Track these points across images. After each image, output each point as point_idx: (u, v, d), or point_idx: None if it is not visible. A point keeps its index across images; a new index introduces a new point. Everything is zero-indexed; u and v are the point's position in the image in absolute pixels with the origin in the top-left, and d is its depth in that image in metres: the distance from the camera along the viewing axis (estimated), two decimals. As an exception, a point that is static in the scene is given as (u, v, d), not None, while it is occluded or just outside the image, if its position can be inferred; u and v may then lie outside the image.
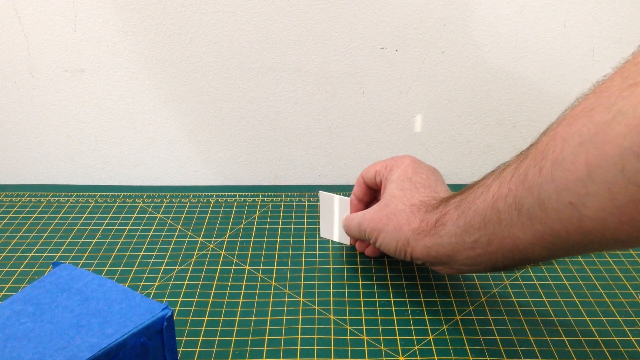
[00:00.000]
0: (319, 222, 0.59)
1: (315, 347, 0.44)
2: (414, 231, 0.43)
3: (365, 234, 0.48)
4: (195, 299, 0.49)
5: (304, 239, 0.58)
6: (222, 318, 0.47)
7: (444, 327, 0.46)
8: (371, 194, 0.54)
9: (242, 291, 0.51)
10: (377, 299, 0.49)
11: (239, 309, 0.48)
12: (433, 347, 0.44)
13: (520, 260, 0.37)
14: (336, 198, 0.55)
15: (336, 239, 0.56)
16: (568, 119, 0.33)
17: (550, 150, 0.32)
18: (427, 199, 0.45)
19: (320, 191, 0.56)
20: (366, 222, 0.48)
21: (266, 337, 0.45)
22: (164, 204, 0.64)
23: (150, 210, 0.63)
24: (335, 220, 0.56)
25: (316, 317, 0.47)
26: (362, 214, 0.49)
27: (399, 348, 0.44)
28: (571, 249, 0.33)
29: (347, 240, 0.55)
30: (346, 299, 0.50)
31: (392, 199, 0.47)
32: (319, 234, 0.58)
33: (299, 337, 0.45)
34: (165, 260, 0.55)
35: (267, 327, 0.46)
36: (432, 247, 0.42)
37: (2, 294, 0.50)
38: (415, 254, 0.44)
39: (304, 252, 0.56)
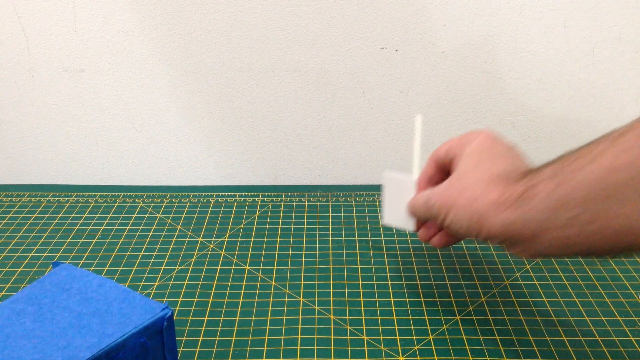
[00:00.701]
0: (383, 206, 0.52)
1: (315, 347, 0.44)
2: (492, 204, 0.37)
3: (434, 210, 0.42)
4: (195, 299, 0.49)
5: (304, 239, 0.58)
6: (222, 318, 0.47)
7: (444, 327, 0.46)
8: (441, 175, 0.47)
9: (242, 291, 0.51)
10: (377, 299, 0.49)
11: (239, 309, 0.48)
12: (433, 347, 0.44)
13: (626, 246, 0.32)
14: (401, 179, 0.50)
15: (400, 225, 0.50)
16: None
17: None
18: (508, 169, 0.39)
19: (384, 172, 0.51)
20: (435, 197, 0.42)
21: (266, 337, 0.45)
22: (164, 204, 0.64)
23: (150, 210, 0.63)
24: (399, 204, 0.49)
25: (316, 317, 0.47)
26: (430, 191, 0.44)
27: (399, 348, 0.44)
28: None
29: (411, 226, 0.49)
30: (346, 299, 0.50)
31: (465, 172, 0.41)
32: (382, 220, 0.53)
33: (299, 337, 0.45)
34: (165, 260, 0.55)
35: (267, 327, 0.46)
36: (515, 222, 0.36)
37: (2, 294, 0.50)
38: (493, 231, 0.37)
39: (304, 252, 0.56)
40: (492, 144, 0.43)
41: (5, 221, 0.61)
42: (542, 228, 0.35)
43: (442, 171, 0.47)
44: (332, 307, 0.49)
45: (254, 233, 0.59)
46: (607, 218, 0.32)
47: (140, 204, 0.65)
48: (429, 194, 0.44)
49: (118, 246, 0.57)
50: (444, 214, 0.41)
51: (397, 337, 0.45)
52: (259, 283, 0.52)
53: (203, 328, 0.46)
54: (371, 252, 0.56)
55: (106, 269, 0.54)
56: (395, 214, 0.50)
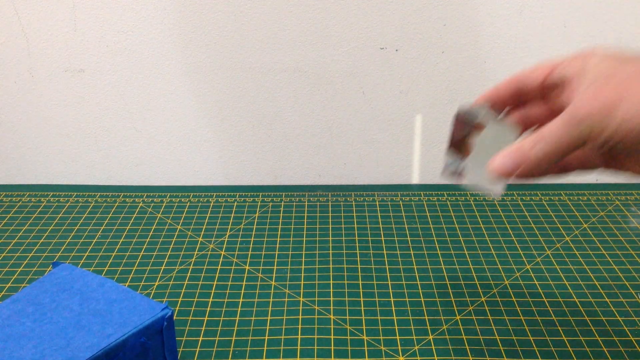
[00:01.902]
0: (466, 164, 0.40)
1: (315, 347, 0.44)
2: None
3: (589, 123, 0.31)
4: (195, 299, 0.49)
5: (304, 239, 0.58)
6: (222, 318, 0.47)
7: (444, 327, 0.46)
8: (514, 102, 0.40)
9: (242, 291, 0.51)
10: (377, 299, 0.49)
11: (239, 309, 0.48)
12: (433, 347, 0.44)
13: None
14: (499, 127, 0.38)
15: (486, 186, 0.38)
16: None
17: None
18: None
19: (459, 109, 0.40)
20: (585, 104, 0.31)
21: (266, 337, 0.45)
22: (164, 204, 0.64)
23: (150, 210, 0.63)
24: (488, 154, 0.36)
25: (316, 317, 0.47)
26: (559, 117, 0.32)
27: (399, 348, 0.44)
28: None
29: (499, 188, 0.38)
30: (346, 299, 0.50)
31: (613, 70, 0.31)
32: (452, 177, 0.40)
33: (299, 337, 0.45)
34: (165, 260, 0.55)
35: (267, 327, 0.46)
36: None
37: (2, 294, 0.50)
38: None
39: (304, 252, 0.56)
40: (621, 52, 0.33)
41: (5, 221, 0.61)
42: None
43: (517, 99, 0.39)
44: (332, 307, 0.49)
45: (254, 233, 0.59)
46: None
47: (140, 204, 0.65)
48: (569, 112, 0.32)
49: (118, 246, 0.57)
50: (608, 116, 0.30)
51: (397, 337, 0.45)
52: (259, 283, 0.52)
53: (203, 328, 0.46)
54: (371, 252, 0.56)
55: (106, 269, 0.54)
56: (483, 172, 0.37)
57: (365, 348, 0.44)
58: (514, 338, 0.45)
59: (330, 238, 0.58)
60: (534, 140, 0.33)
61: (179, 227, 0.60)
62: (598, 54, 0.33)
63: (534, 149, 0.33)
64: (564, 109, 0.33)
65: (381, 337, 0.45)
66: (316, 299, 0.50)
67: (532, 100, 0.39)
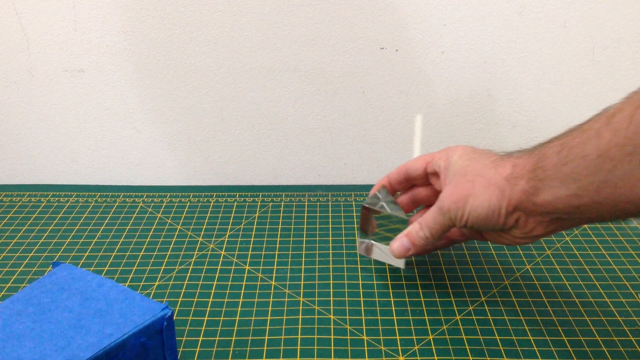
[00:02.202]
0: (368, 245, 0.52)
1: (315, 347, 0.44)
2: (507, 177, 0.41)
3: (451, 212, 0.43)
4: (195, 299, 0.49)
5: (304, 239, 0.58)
6: (222, 318, 0.47)
7: (444, 327, 0.46)
8: (405, 186, 0.52)
9: (242, 291, 0.51)
10: (377, 299, 0.49)
11: (239, 309, 0.48)
12: (433, 347, 0.44)
13: (633, 213, 0.36)
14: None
15: (390, 259, 0.51)
16: None
17: None
18: (507, 154, 0.43)
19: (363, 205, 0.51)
20: (446, 199, 0.43)
21: (266, 337, 0.45)
22: (164, 204, 0.64)
23: (150, 210, 0.63)
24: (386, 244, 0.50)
25: (316, 317, 0.47)
26: (434, 208, 0.45)
27: (399, 348, 0.44)
28: None
29: (401, 262, 0.51)
30: (346, 299, 0.50)
31: (465, 169, 0.43)
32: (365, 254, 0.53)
33: (299, 337, 0.45)
34: (165, 260, 0.55)
35: (267, 327, 0.46)
36: (531, 192, 0.39)
37: (2, 294, 0.50)
38: (513, 200, 0.40)
39: (304, 252, 0.56)
40: (474, 149, 0.46)
41: (5, 221, 0.61)
42: (555, 196, 0.38)
43: (406, 182, 0.51)
44: (332, 307, 0.49)
45: (254, 233, 0.59)
46: (614, 187, 0.35)
47: (140, 204, 0.65)
48: (438, 204, 0.44)
49: (118, 246, 0.57)
50: (461, 208, 0.42)
51: (397, 337, 0.45)
52: (259, 283, 0.52)
53: (203, 328, 0.46)
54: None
55: (106, 269, 0.54)
56: (386, 249, 0.51)
57: (365, 348, 0.44)
58: (514, 338, 0.45)
59: (330, 238, 0.58)
60: (418, 227, 0.46)
61: (179, 227, 0.60)
62: (458, 151, 0.46)
63: (418, 234, 0.46)
64: (439, 192, 0.46)
65: (381, 337, 0.45)
66: (316, 299, 0.50)
67: (418, 184, 0.51)
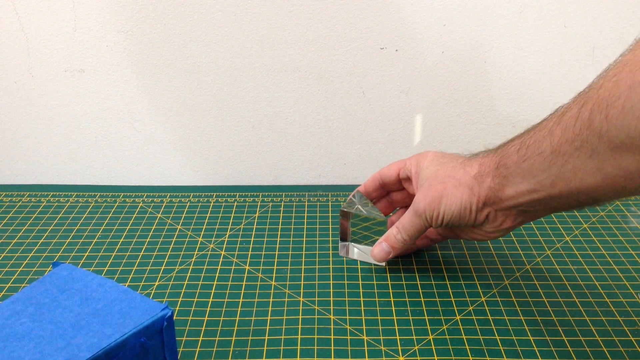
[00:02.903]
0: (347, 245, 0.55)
1: (315, 347, 0.44)
2: (475, 177, 0.44)
3: (427, 213, 0.47)
4: (195, 299, 0.49)
5: (304, 239, 0.58)
6: (222, 318, 0.47)
7: (444, 327, 0.46)
8: (381, 192, 0.55)
9: (242, 291, 0.51)
10: (377, 299, 0.49)
11: (239, 309, 0.48)
12: (433, 347, 0.44)
13: (586, 202, 0.39)
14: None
15: (370, 259, 0.54)
16: (630, 66, 0.34)
17: (614, 97, 0.33)
18: (473, 155, 0.46)
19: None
20: (420, 202, 0.47)
21: (266, 337, 0.45)
22: (164, 204, 0.64)
23: (150, 210, 0.63)
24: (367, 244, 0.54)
25: (316, 317, 0.47)
26: (410, 210, 0.48)
27: (399, 348, 0.44)
28: None
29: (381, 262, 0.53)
30: (346, 299, 0.50)
31: (435, 172, 0.47)
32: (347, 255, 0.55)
33: (299, 337, 0.45)
34: (165, 260, 0.55)
35: (267, 327, 0.46)
36: (496, 188, 0.43)
37: (2, 294, 0.50)
38: (481, 199, 0.44)
39: (304, 252, 0.56)
40: (443, 154, 0.49)
41: (5, 221, 0.61)
42: (517, 191, 0.42)
43: (382, 189, 0.54)
44: (332, 307, 0.49)
45: (254, 233, 0.59)
46: (567, 181, 0.37)
47: (140, 204, 0.65)
48: (411, 208, 0.48)
49: (118, 246, 0.57)
50: (435, 208, 0.46)
51: (397, 337, 0.45)
52: (259, 283, 0.52)
53: (203, 328, 0.46)
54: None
55: (106, 269, 0.54)
56: (366, 250, 0.54)
57: (365, 348, 0.44)
58: (514, 338, 0.45)
59: (330, 238, 0.58)
60: (396, 231, 0.49)
61: (179, 227, 0.60)
62: (428, 157, 0.49)
63: (396, 237, 0.49)
64: (414, 195, 0.49)
65: (381, 337, 0.45)
66: (316, 299, 0.50)
67: (393, 189, 0.55)
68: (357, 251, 0.54)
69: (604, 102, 0.34)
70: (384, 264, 0.53)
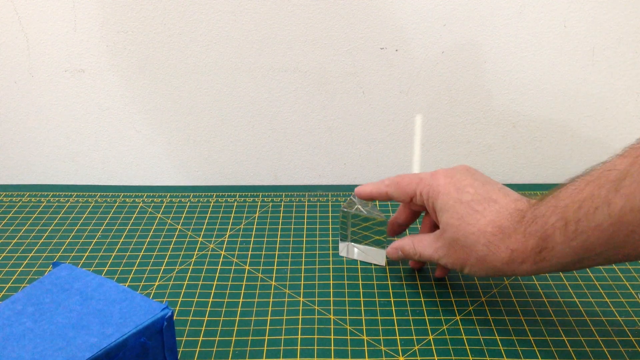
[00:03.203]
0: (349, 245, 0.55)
1: (315, 347, 0.44)
2: (507, 263, 0.41)
3: (448, 265, 0.46)
4: (195, 299, 0.49)
5: (304, 239, 0.58)
6: (222, 318, 0.47)
7: (444, 327, 0.46)
8: (414, 216, 0.53)
9: (242, 291, 0.51)
10: (377, 299, 0.49)
11: (239, 309, 0.48)
12: (433, 347, 0.44)
13: None
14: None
15: (371, 260, 0.54)
16: None
17: None
18: (495, 219, 0.42)
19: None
20: (444, 258, 0.45)
21: (266, 337, 0.45)
22: (164, 204, 0.64)
23: (150, 210, 0.63)
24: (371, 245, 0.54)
25: (316, 317, 0.47)
26: (432, 249, 0.46)
27: (399, 348, 0.44)
28: None
29: (382, 262, 0.54)
30: (346, 299, 0.50)
31: (454, 229, 0.43)
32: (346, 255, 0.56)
33: (299, 337, 0.45)
34: (165, 260, 0.55)
35: (267, 327, 0.46)
36: (540, 270, 0.40)
37: (2, 294, 0.50)
38: (517, 275, 0.44)
39: (304, 252, 0.56)
40: (457, 192, 0.44)
41: (5, 221, 0.61)
42: (569, 265, 0.39)
43: (414, 213, 0.52)
44: (332, 307, 0.49)
45: (254, 233, 0.59)
46: (635, 248, 0.34)
47: (140, 204, 0.65)
48: (433, 254, 0.46)
49: (118, 246, 0.57)
50: (459, 268, 0.45)
51: (397, 337, 0.45)
52: (259, 283, 0.52)
53: (203, 328, 0.46)
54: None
55: (106, 269, 0.54)
56: (368, 250, 0.54)
57: (365, 348, 0.44)
58: (514, 338, 0.45)
59: (330, 238, 0.58)
60: (411, 245, 0.48)
61: (179, 227, 0.60)
62: (440, 192, 0.45)
63: (409, 252, 0.49)
64: (420, 211, 0.51)
65: (381, 337, 0.45)
66: (316, 299, 0.50)
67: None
68: (357, 251, 0.54)
69: None
70: (384, 263, 0.54)
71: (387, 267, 0.54)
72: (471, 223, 0.42)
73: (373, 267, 0.54)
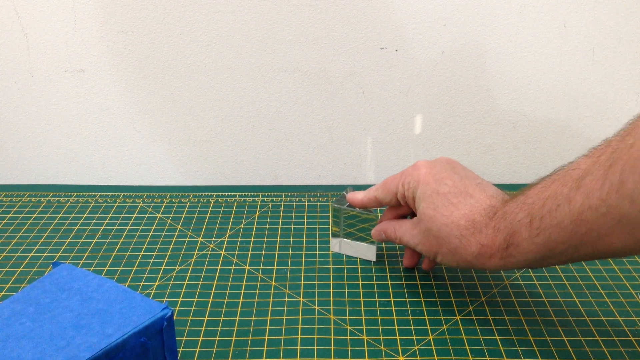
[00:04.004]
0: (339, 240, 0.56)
1: (315, 347, 0.44)
2: (477, 256, 0.42)
3: (423, 252, 0.47)
4: (195, 299, 0.49)
5: (304, 239, 0.58)
6: (222, 318, 0.47)
7: (444, 327, 0.46)
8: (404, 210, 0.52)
9: (242, 291, 0.51)
10: (377, 299, 0.49)
11: (239, 309, 0.48)
12: (433, 347, 0.44)
13: (607, 256, 0.37)
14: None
15: (361, 255, 0.55)
16: None
17: None
18: (469, 213, 0.43)
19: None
20: (419, 245, 0.47)
21: (266, 337, 0.45)
22: (164, 204, 0.64)
23: (150, 210, 0.63)
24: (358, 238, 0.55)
25: (316, 317, 0.47)
26: (409, 235, 0.48)
27: (399, 348, 0.44)
28: None
29: (372, 256, 0.55)
30: (346, 299, 0.50)
31: (429, 218, 0.44)
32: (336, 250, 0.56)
33: (299, 337, 0.45)
34: (165, 260, 0.55)
35: (267, 327, 0.46)
36: (506, 265, 0.41)
37: (2, 294, 0.50)
38: (486, 269, 0.44)
39: (304, 252, 0.56)
40: (436, 182, 0.45)
41: (5, 221, 0.61)
42: (533, 261, 0.40)
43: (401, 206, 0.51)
44: (332, 307, 0.49)
45: (254, 233, 0.59)
46: (594, 246, 0.35)
47: (140, 204, 0.65)
48: (410, 240, 0.48)
49: (118, 246, 0.57)
50: (432, 257, 0.46)
51: (397, 337, 0.45)
52: (259, 283, 0.52)
53: (203, 328, 0.46)
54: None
55: (106, 269, 0.54)
56: (357, 246, 0.55)
57: (365, 348, 0.44)
58: (514, 338, 0.45)
59: (330, 238, 0.58)
60: (393, 231, 0.49)
61: (179, 227, 0.60)
62: (420, 187, 0.45)
63: (390, 236, 0.50)
64: (405, 214, 0.51)
65: (381, 337, 0.45)
66: (316, 299, 0.50)
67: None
68: (348, 247, 0.55)
69: (639, 162, 0.31)
70: (374, 259, 0.54)
71: (387, 267, 0.54)
72: (445, 215, 0.43)
73: (373, 267, 0.54)
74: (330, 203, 0.65)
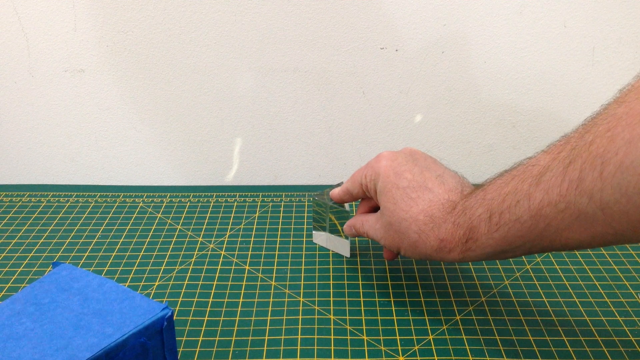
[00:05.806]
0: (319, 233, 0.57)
1: (315, 347, 0.44)
2: (436, 250, 0.42)
3: (387, 246, 0.47)
4: (195, 299, 0.49)
5: (304, 239, 0.58)
6: (222, 318, 0.47)
7: (444, 327, 0.46)
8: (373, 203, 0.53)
9: (242, 291, 0.51)
10: (377, 299, 0.49)
11: (239, 309, 0.48)
12: (433, 347, 0.44)
13: (563, 250, 0.38)
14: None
15: (339, 250, 0.56)
16: (626, 120, 0.31)
17: (611, 153, 0.30)
18: (427, 209, 0.43)
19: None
20: (382, 239, 0.47)
21: (266, 337, 0.45)
22: (164, 204, 0.64)
23: (150, 210, 0.63)
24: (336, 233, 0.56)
25: (316, 317, 0.47)
26: (374, 229, 0.48)
27: (399, 348, 0.44)
28: (634, 241, 0.33)
29: (347, 252, 0.55)
30: (346, 299, 0.50)
31: (389, 213, 0.45)
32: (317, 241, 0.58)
33: (299, 337, 0.45)
34: (165, 260, 0.55)
35: (267, 327, 0.46)
36: (465, 258, 0.42)
37: (2, 294, 0.50)
38: (445, 261, 0.45)
39: (304, 252, 0.56)
40: (396, 176, 0.45)
41: (5, 221, 0.61)
42: (491, 254, 0.40)
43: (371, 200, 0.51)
44: (332, 307, 0.49)
45: (254, 233, 0.59)
46: (551, 241, 0.36)
47: (140, 204, 0.65)
48: (374, 234, 0.48)
49: (118, 246, 0.57)
50: (395, 250, 0.46)
51: (397, 337, 0.45)
52: (259, 283, 0.52)
53: (203, 328, 0.46)
54: (371, 252, 0.56)
55: (106, 269, 0.54)
56: (335, 240, 0.56)
57: (365, 348, 0.44)
58: (514, 338, 0.45)
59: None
60: (360, 224, 0.50)
61: (179, 227, 0.60)
62: (381, 180, 0.46)
63: (359, 230, 0.50)
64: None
65: (381, 337, 0.45)
66: (316, 299, 0.50)
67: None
68: (326, 239, 0.56)
69: (598, 159, 0.31)
70: (348, 255, 0.55)
71: (386, 267, 0.54)
72: (405, 209, 0.44)
73: (373, 267, 0.54)
74: (330, 203, 0.65)
